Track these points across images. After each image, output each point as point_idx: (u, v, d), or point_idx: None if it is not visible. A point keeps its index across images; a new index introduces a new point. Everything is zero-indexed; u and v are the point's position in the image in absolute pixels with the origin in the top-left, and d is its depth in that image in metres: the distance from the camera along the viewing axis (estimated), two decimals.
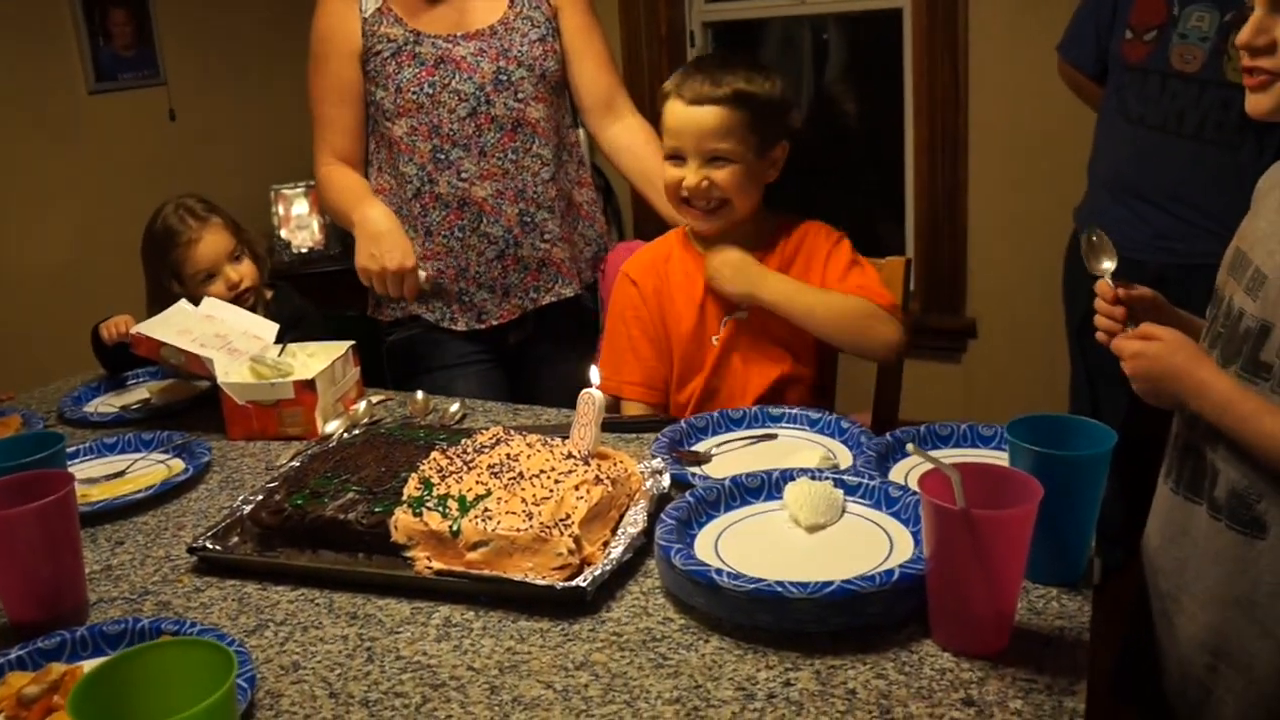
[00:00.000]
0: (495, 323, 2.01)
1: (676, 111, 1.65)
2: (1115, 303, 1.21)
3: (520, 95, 1.94)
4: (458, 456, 1.29)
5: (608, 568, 1.12)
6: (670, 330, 1.74)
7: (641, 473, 1.30)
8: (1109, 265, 1.25)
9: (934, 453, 1.28)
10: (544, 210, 1.98)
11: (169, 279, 2.02)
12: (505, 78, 1.93)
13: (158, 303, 2.01)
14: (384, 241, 1.85)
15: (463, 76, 1.92)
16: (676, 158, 1.68)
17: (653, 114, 1.82)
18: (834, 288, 1.68)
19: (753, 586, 1.01)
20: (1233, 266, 1.20)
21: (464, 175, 1.94)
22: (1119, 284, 1.22)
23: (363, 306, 2.11)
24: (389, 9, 1.94)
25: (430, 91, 1.92)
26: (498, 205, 1.95)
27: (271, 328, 1.83)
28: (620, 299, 1.79)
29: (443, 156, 1.93)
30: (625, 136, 2.07)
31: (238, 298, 2.01)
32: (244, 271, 2.05)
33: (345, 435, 1.54)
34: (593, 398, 1.28)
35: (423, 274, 1.89)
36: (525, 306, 2.02)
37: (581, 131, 2.73)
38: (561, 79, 2.03)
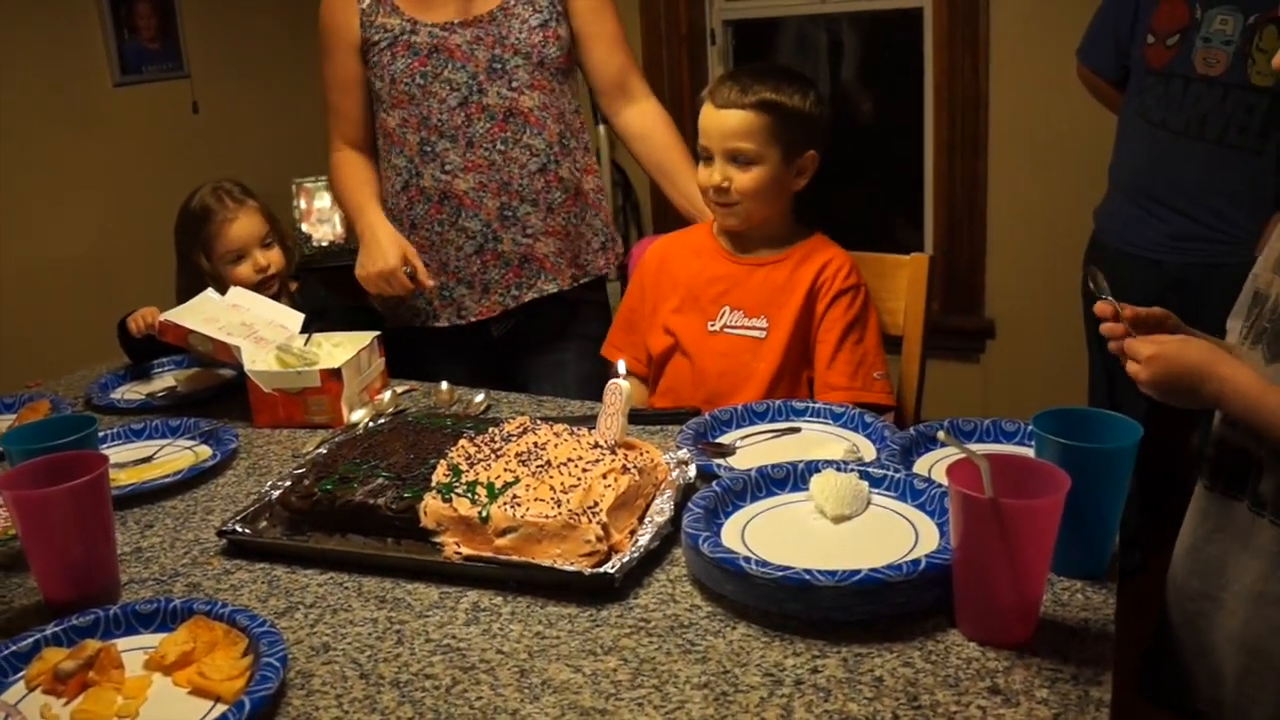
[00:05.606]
0: (474, 319, 2.00)
1: (707, 114, 1.73)
2: (1115, 319, 1.17)
3: (514, 84, 1.93)
4: (486, 444, 1.30)
5: (635, 555, 1.13)
6: (658, 308, 1.82)
7: (667, 463, 1.31)
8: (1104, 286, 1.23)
9: None
10: (527, 204, 1.96)
11: (199, 255, 2.05)
12: (500, 66, 1.92)
13: (185, 278, 2.04)
14: (370, 249, 1.90)
15: (456, 65, 1.91)
16: (706, 157, 1.74)
17: (678, 112, 1.84)
18: (825, 342, 1.71)
19: (780, 574, 1.02)
20: None
21: (448, 168, 1.93)
22: (1121, 305, 1.18)
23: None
24: None
25: (421, 83, 1.92)
26: (478, 198, 1.94)
27: (297, 317, 1.84)
28: (637, 272, 1.90)
29: (429, 149, 1.93)
30: (639, 122, 2.06)
31: (262, 283, 2.02)
32: (272, 258, 2.06)
33: (371, 424, 1.55)
34: (620, 388, 1.29)
35: (420, 274, 1.89)
36: (506, 304, 2.00)
37: (602, 128, 2.72)
38: (566, 64, 2.00)
